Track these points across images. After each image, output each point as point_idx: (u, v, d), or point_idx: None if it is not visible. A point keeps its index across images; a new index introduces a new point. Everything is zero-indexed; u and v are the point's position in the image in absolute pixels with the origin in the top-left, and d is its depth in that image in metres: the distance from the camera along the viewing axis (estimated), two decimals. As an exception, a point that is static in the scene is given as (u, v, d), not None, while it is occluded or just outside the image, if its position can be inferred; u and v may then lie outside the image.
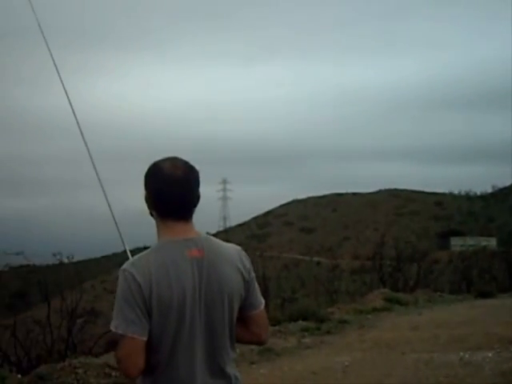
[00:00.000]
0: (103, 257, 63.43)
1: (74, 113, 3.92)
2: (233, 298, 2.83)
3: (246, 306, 2.92)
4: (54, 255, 13.83)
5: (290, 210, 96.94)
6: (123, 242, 3.56)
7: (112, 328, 2.70)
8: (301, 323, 13.73)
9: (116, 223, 3.59)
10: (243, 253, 2.97)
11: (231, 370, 2.87)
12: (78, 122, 3.88)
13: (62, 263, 14.75)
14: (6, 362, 11.77)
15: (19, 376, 9.11)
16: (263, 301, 3.01)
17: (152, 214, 2.93)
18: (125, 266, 2.75)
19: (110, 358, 9.86)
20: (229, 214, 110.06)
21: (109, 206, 3.65)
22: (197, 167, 2.93)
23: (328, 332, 13.19)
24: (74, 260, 14.94)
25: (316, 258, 59.01)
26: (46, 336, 12.19)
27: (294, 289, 37.24)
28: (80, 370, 9.17)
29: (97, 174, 3.73)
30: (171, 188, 2.79)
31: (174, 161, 2.87)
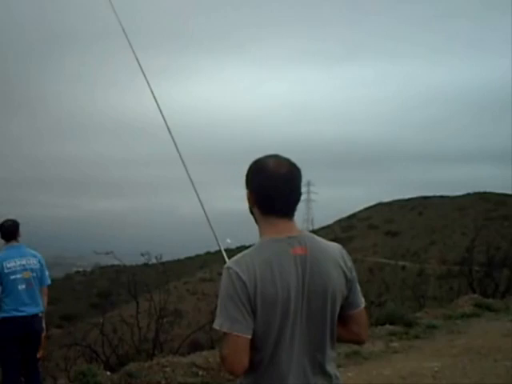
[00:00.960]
0: (187, 258, 64.24)
1: (162, 115, 3.96)
2: (335, 296, 2.79)
3: (347, 305, 2.89)
4: (143, 255, 14.00)
5: (374, 213, 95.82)
6: (218, 242, 3.61)
7: (216, 326, 2.70)
8: (388, 327, 13.47)
9: (210, 224, 3.61)
10: (345, 251, 2.93)
11: (331, 368, 2.84)
12: (167, 124, 3.93)
13: (149, 263, 14.95)
14: (95, 360, 12.02)
15: (108, 373, 9.27)
16: (364, 300, 2.96)
17: (252, 212, 2.92)
18: (229, 263, 2.74)
19: (196, 357, 9.94)
20: (313, 217, 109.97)
21: (202, 206, 3.67)
22: None
23: (416, 337, 12.88)
24: (162, 260, 15.10)
25: (401, 262, 58.13)
26: (133, 334, 12.37)
27: (379, 293, 36.75)
28: (168, 369, 9.27)
29: (188, 175, 3.75)
30: (276, 185, 2.76)
31: (277, 158, 2.85)
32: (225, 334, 2.66)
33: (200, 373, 9.35)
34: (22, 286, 6.95)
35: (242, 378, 2.78)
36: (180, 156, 3.78)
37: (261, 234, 2.85)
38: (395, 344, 12.21)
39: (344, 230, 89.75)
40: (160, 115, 3.94)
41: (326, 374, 2.81)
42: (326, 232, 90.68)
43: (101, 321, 13.42)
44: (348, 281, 2.86)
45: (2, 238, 7.16)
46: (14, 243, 7.14)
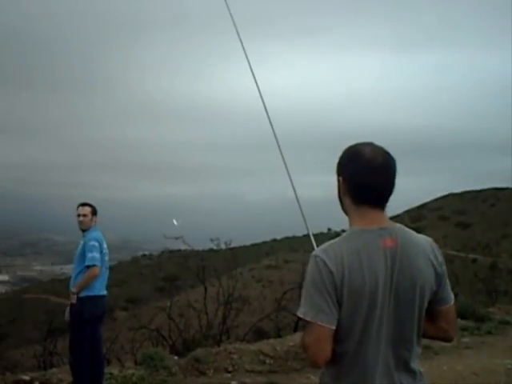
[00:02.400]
0: (253, 245, 64.46)
1: (262, 100, 3.92)
2: (424, 290, 2.69)
3: (435, 300, 2.77)
4: (212, 240, 14.03)
5: (445, 204, 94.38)
6: (308, 229, 3.47)
7: (300, 314, 2.62)
8: (460, 322, 13.14)
9: (301, 210, 3.51)
10: (435, 245, 2.82)
11: (416, 365, 2.74)
12: (266, 109, 3.88)
13: (216, 249, 14.98)
14: (161, 343, 12.09)
15: (175, 357, 9.28)
16: (453, 296, 2.85)
17: (341, 201, 2.82)
18: (316, 251, 2.65)
19: (263, 345, 9.87)
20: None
21: (295, 192, 3.59)
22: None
23: (488, 332, 12.56)
24: (230, 246, 15.13)
25: (472, 255, 56.98)
26: (200, 320, 12.38)
27: (449, 286, 36.12)
28: (235, 356, 9.23)
29: (284, 160, 3.68)
30: (372, 174, 2.66)
31: (373, 146, 2.74)
32: (308, 322, 2.59)
33: (267, 361, 9.29)
34: (104, 268, 7.16)
35: (323, 368, 2.72)
36: (277, 141, 3.73)
37: (351, 224, 2.75)
38: (467, 339, 11.93)
39: (413, 221, 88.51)
40: (261, 101, 3.88)
41: (410, 370, 2.71)
42: (394, 221, 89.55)
43: (168, 305, 13.51)
44: (438, 275, 2.75)
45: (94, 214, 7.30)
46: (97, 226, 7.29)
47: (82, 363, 7.06)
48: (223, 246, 14.41)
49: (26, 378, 7.80)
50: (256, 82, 3.96)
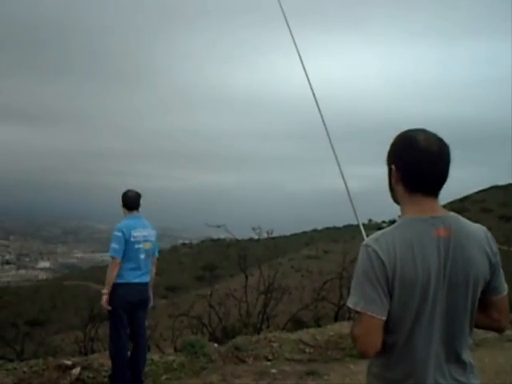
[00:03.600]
0: (292, 235, 64.37)
1: (312, 89, 3.89)
2: (478, 281, 2.64)
3: (488, 291, 2.73)
4: (254, 229, 14.01)
5: (488, 197, 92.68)
6: (357, 219, 3.47)
7: (350, 305, 2.62)
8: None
9: (351, 199, 3.49)
10: (490, 234, 2.76)
11: (467, 356, 2.69)
12: (315, 99, 3.84)
13: (257, 239, 14.98)
14: (200, 332, 12.13)
15: (215, 345, 9.31)
16: (506, 286, 2.79)
17: (392, 189, 2.78)
18: (367, 241, 2.63)
19: (303, 334, 9.86)
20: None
21: (345, 183, 3.57)
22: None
23: (532, 326, 12.35)
24: (271, 236, 15.09)
25: (515, 248, 56.02)
26: (240, 308, 12.40)
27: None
28: (275, 344, 9.24)
29: (333, 150, 3.64)
30: (427, 161, 2.62)
31: (426, 133, 2.69)
32: (359, 313, 2.58)
33: (307, 350, 9.28)
34: (142, 256, 7.12)
35: (373, 359, 2.71)
36: (326, 130, 3.68)
37: (403, 213, 2.72)
38: (509, 332, 11.76)
39: (456, 213, 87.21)
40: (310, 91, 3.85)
41: (460, 362, 2.66)
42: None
43: (208, 293, 13.55)
44: (492, 265, 2.69)
45: (125, 206, 7.30)
46: (135, 213, 7.29)
47: (119, 350, 7.12)
48: (265, 235, 14.39)
49: (68, 362, 7.88)
50: (305, 71, 3.92)
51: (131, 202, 7.31)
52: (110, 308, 6.96)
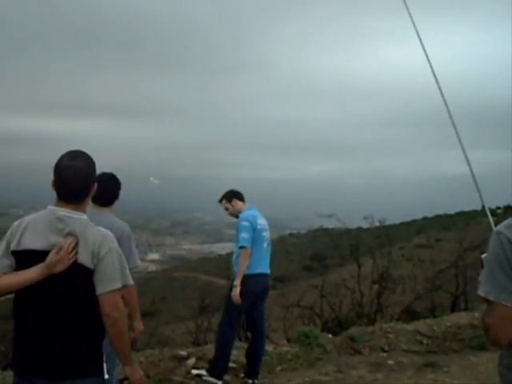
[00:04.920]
0: (402, 223, 63.28)
1: (434, 75, 3.69)
2: None
3: None
4: (365, 218, 13.84)
5: None
6: (484, 204, 3.32)
7: (481, 293, 2.48)
8: None
9: (477, 185, 3.28)
10: None
11: None
12: (438, 84, 3.65)
13: (368, 227, 14.79)
14: (312, 322, 12.04)
15: (330, 336, 9.19)
16: None
17: None
18: (500, 228, 2.49)
19: (420, 325, 9.60)
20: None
21: (470, 168, 3.36)
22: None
23: None
24: (383, 224, 14.87)
25: None
26: (353, 298, 12.23)
27: None
28: (391, 335, 9.04)
29: (457, 134, 3.44)
30: None
31: None
32: (491, 302, 2.44)
33: (424, 341, 9.03)
34: (265, 244, 7.08)
35: (504, 349, 2.56)
36: (449, 113, 3.49)
37: None
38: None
39: None
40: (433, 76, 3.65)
41: None
42: None
43: (320, 283, 13.44)
44: None
45: (240, 200, 7.27)
46: (248, 205, 7.28)
47: (227, 339, 7.08)
48: (377, 224, 14.18)
49: (183, 353, 7.95)
50: (425, 53, 3.70)
51: (241, 194, 7.33)
52: (240, 302, 6.86)
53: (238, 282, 6.86)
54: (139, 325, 5.13)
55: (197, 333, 12.99)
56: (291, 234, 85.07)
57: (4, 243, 3.24)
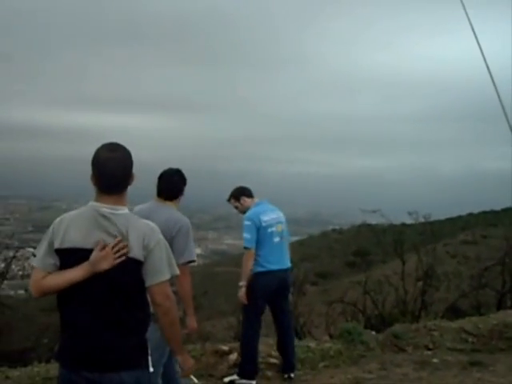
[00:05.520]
0: (447, 219, 62.45)
1: (488, 68, 3.58)
2: None
3: None
4: (410, 214, 13.67)
5: None
6: None
7: None
8: None
9: None
10: None
11: None
12: (492, 78, 3.56)
13: (412, 223, 14.61)
14: (355, 319, 11.95)
15: (373, 333, 9.10)
16: None
17: None
18: None
19: (465, 323, 9.45)
20: None
21: None
22: None
23: None
24: (429, 220, 14.70)
25: None
26: (397, 295, 12.09)
27: None
28: (436, 333, 8.90)
29: (510, 126, 3.33)
30: None
31: None
32: None
33: (469, 339, 8.86)
34: (276, 239, 6.96)
35: None
36: (502, 106, 3.38)
37: None
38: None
39: None
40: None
41: None
42: None
43: (363, 279, 13.33)
44: None
45: (248, 196, 7.18)
46: (256, 200, 7.17)
47: (249, 339, 7.05)
48: (422, 219, 14.01)
49: (225, 348, 7.95)
50: (479, 45, 3.61)
51: (250, 190, 7.24)
52: (246, 302, 6.88)
53: (242, 283, 6.88)
54: (192, 322, 5.16)
55: (238, 327, 12.98)
56: (334, 230, 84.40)
57: (46, 241, 3.26)
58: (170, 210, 5.06)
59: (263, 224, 6.90)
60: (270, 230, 6.93)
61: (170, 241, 4.47)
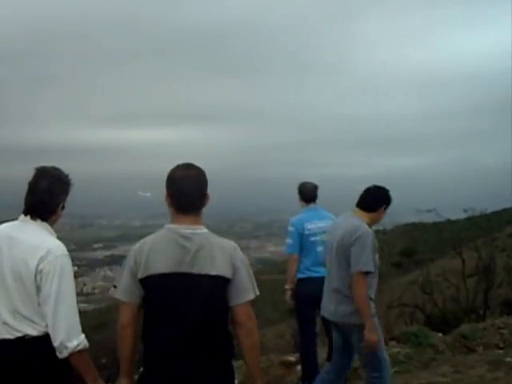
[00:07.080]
0: (493, 212, 61.67)
1: None
2: None
3: None
4: (466, 211, 13.46)
5: None
6: None
7: None
8: None
9: None
10: None
11: None
12: None
13: (470, 218, 14.41)
14: (415, 321, 11.74)
15: (440, 334, 8.91)
16: None
17: None
18: None
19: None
20: None
21: None
22: None
23: None
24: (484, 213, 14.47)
25: None
26: (459, 294, 11.85)
27: None
28: (505, 331, 8.69)
29: None
30: None
31: None
32: None
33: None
34: (320, 248, 6.76)
35: None
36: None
37: None
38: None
39: None
40: None
41: None
42: None
43: (414, 279, 13.14)
44: None
45: (302, 199, 7.10)
46: (312, 206, 7.05)
47: (303, 347, 7.01)
48: (477, 214, 13.78)
49: (292, 359, 7.88)
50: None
51: (308, 194, 7.09)
52: (292, 305, 6.96)
53: (287, 286, 6.91)
54: (369, 334, 5.11)
55: (295, 337, 12.86)
56: (377, 230, 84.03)
57: (128, 270, 3.19)
58: (355, 219, 5.38)
59: (306, 232, 6.85)
60: (312, 238, 6.86)
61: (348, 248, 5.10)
